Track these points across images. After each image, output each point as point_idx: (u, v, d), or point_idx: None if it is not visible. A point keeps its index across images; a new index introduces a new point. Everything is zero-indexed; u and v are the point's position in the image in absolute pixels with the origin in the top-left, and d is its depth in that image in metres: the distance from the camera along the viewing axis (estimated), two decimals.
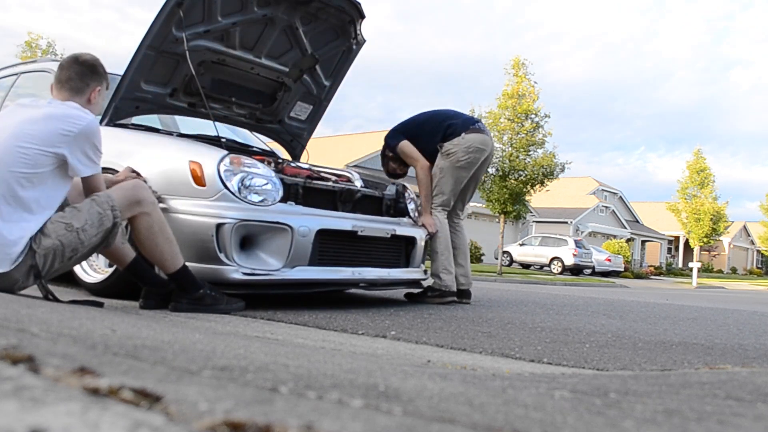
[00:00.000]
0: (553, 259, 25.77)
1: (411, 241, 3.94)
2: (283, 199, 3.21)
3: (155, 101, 3.80)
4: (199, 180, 2.96)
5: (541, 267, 26.46)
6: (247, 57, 3.92)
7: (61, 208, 2.40)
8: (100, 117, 2.55)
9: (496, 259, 20.38)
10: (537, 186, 18.59)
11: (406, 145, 4.25)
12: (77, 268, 3.30)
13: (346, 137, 32.61)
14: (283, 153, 4.77)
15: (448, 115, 4.35)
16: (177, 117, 4.47)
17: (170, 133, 3.95)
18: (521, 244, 27.65)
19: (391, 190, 4.03)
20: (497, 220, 21.98)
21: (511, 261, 26.97)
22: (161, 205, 2.99)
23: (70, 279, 3.39)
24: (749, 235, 53.58)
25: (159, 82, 3.73)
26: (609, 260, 27.12)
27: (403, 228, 3.87)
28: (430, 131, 4.24)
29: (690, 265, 26.79)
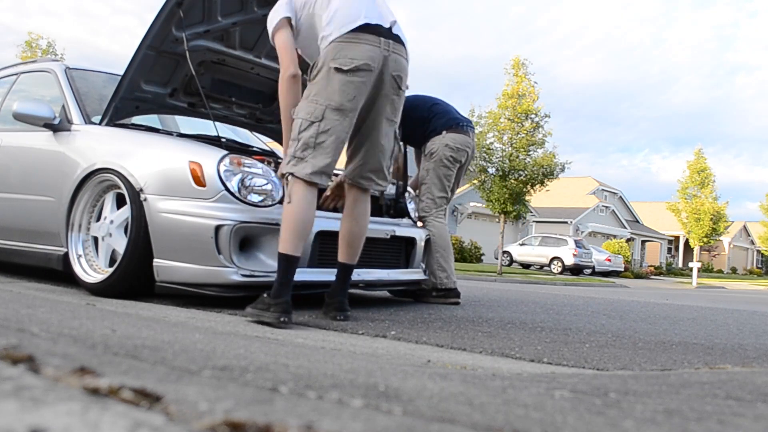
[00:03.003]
0: (553, 259, 25.77)
1: (410, 241, 3.94)
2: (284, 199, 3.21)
3: (155, 101, 3.80)
4: (198, 180, 2.96)
5: (541, 267, 26.46)
6: (247, 57, 3.92)
7: None
8: None
9: (496, 259, 20.39)
10: (537, 186, 18.60)
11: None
12: (77, 268, 3.30)
13: None
14: (283, 153, 4.77)
15: (434, 109, 4.29)
16: (177, 117, 4.47)
17: (170, 133, 3.95)
18: (521, 244, 27.65)
19: (390, 191, 4.03)
20: (497, 220, 21.99)
21: (511, 261, 26.98)
22: (161, 205, 2.99)
23: (70, 279, 3.40)
24: (749, 235, 53.60)
25: (159, 82, 3.73)
26: (609, 260, 27.13)
27: (402, 229, 3.86)
28: (417, 119, 4.19)
29: (690, 265, 26.81)
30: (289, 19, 2.73)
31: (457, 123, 4.24)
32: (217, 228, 2.88)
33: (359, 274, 3.52)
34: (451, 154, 4.16)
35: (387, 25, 2.66)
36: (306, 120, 2.56)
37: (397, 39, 2.70)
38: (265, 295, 2.61)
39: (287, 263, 2.59)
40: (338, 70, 2.52)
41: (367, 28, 2.59)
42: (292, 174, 2.60)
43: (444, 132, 4.16)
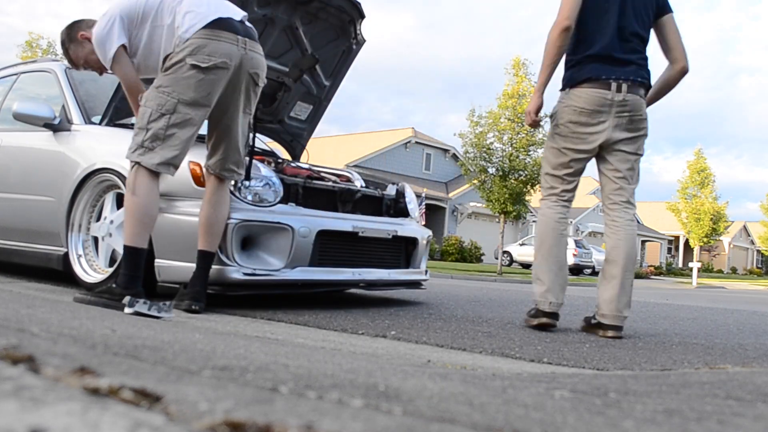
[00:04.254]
0: None
1: (412, 242, 3.94)
2: (284, 200, 3.21)
3: None
4: (199, 180, 2.96)
5: None
6: None
7: None
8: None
9: (496, 259, 20.38)
10: (537, 186, 18.59)
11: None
12: (77, 268, 3.30)
13: (346, 137, 32.60)
14: (283, 153, 4.77)
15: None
16: None
17: None
18: (521, 244, 27.64)
19: (391, 191, 4.03)
20: (497, 220, 21.98)
21: (511, 261, 26.98)
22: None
23: (70, 279, 3.40)
24: (749, 235, 53.59)
25: None
26: None
27: (404, 229, 3.86)
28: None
29: (690, 265, 26.80)
30: (124, 45, 2.67)
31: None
32: None
33: (360, 274, 3.52)
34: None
35: (238, 18, 2.70)
36: (156, 111, 2.55)
37: (251, 36, 2.73)
38: (113, 285, 2.64)
39: (135, 256, 2.59)
40: (195, 66, 2.53)
41: (222, 24, 2.60)
42: (138, 163, 2.58)
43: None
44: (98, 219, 3.33)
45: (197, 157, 3.02)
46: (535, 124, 3.14)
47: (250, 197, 3.07)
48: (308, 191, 3.40)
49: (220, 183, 2.88)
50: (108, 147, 3.40)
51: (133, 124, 4.01)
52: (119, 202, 3.24)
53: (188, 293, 2.81)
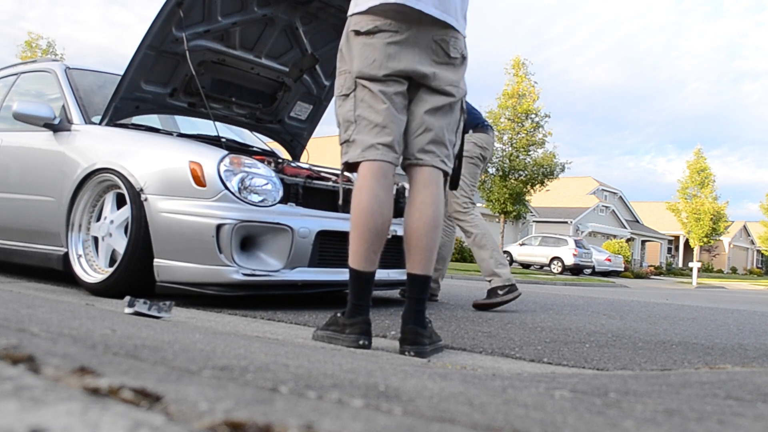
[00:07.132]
0: (553, 258, 25.78)
1: None
2: (284, 199, 3.21)
3: (155, 101, 3.80)
4: (199, 180, 2.96)
5: (541, 267, 26.46)
6: (247, 57, 3.92)
7: None
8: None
9: None
10: (537, 186, 18.62)
11: None
12: (77, 268, 3.30)
13: None
14: (283, 153, 4.77)
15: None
16: (177, 117, 4.48)
17: (170, 133, 3.95)
18: (521, 244, 27.66)
19: None
20: (497, 219, 21.98)
21: (511, 261, 26.99)
22: (159, 204, 2.99)
23: (70, 279, 3.40)
24: (749, 235, 53.63)
25: (159, 82, 3.73)
26: (609, 260, 27.14)
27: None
28: None
29: (690, 264, 26.82)
30: None
31: (482, 123, 4.36)
32: (218, 227, 2.88)
33: None
34: (481, 152, 4.28)
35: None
36: (340, 96, 2.20)
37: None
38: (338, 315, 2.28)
39: (360, 279, 2.24)
40: (356, 32, 2.15)
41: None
42: (347, 163, 2.18)
43: (470, 131, 4.22)
44: (98, 219, 3.33)
45: (198, 156, 3.03)
46: None
47: (249, 197, 3.07)
48: (308, 191, 3.40)
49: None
50: (108, 147, 3.40)
51: (133, 124, 4.03)
52: (119, 202, 3.24)
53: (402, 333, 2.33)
